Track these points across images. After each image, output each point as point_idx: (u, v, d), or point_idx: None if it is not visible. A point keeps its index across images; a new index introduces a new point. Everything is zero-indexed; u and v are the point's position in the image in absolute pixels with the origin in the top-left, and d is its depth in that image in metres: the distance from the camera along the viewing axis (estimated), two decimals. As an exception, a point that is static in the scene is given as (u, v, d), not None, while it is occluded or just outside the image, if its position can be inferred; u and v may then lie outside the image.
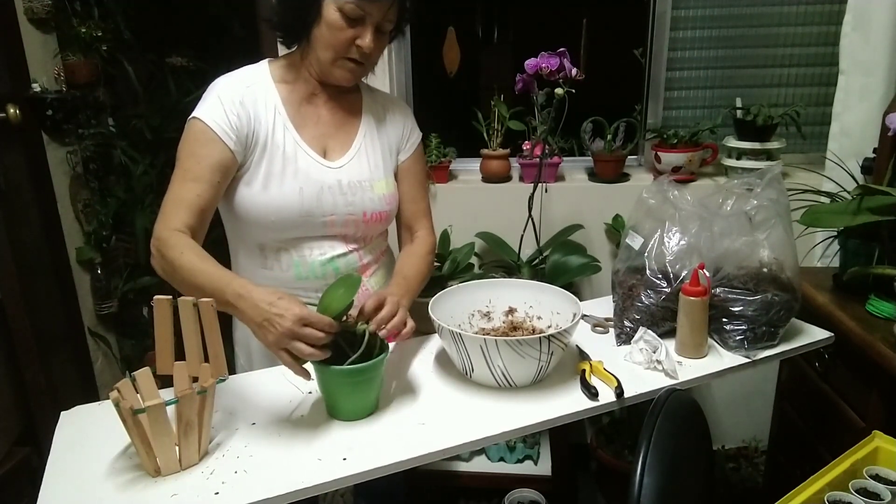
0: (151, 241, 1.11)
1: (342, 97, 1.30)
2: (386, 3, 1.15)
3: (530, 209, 1.96)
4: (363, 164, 1.28)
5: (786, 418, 1.70)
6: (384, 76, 2.14)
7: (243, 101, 1.18)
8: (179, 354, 0.98)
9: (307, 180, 1.21)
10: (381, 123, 1.33)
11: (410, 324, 1.10)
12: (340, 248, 1.27)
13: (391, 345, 1.06)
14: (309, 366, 1.00)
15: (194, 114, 1.17)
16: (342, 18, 1.14)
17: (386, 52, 2.12)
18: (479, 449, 2.15)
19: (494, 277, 1.85)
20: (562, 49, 1.79)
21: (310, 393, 1.12)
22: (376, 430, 1.02)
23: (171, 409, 0.90)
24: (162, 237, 1.09)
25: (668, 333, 1.26)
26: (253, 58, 1.29)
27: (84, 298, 2.38)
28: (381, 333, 1.05)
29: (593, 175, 2.23)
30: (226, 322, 1.02)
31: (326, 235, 1.25)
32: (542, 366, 1.09)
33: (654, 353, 1.17)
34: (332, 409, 1.05)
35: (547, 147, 2.01)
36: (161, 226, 1.11)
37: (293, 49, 1.27)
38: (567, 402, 1.08)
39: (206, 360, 0.97)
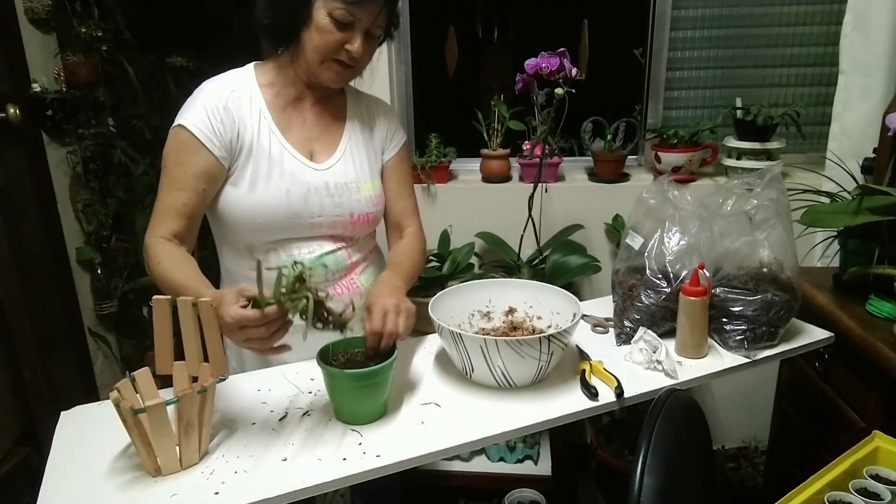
0: (142, 250, 1.15)
1: (328, 101, 1.30)
2: (375, 9, 1.15)
3: (530, 209, 1.96)
4: (349, 166, 1.28)
5: (786, 418, 1.70)
6: (384, 76, 2.14)
7: (227, 106, 1.18)
8: (179, 354, 0.98)
9: (294, 181, 1.21)
10: (366, 126, 1.34)
11: (408, 317, 1.09)
12: (329, 245, 1.27)
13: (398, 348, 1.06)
14: (293, 352, 0.99)
15: (178, 120, 1.17)
16: (332, 23, 1.14)
17: (386, 52, 2.14)
18: (479, 449, 2.15)
19: (494, 277, 1.85)
20: (562, 49, 1.79)
21: (310, 393, 1.12)
22: (376, 430, 1.02)
23: (171, 409, 0.90)
24: (147, 244, 1.14)
25: (668, 333, 1.26)
26: (253, 58, 1.29)
27: (84, 298, 2.38)
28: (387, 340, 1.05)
29: (593, 175, 2.22)
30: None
31: (314, 236, 1.26)
32: (542, 366, 1.09)
33: (654, 353, 1.17)
34: (340, 413, 1.05)
35: (547, 147, 2.01)
36: (148, 234, 1.15)
37: (281, 52, 1.26)
38: (567, 402, 1.08)
39: (206, 359, 0.97)
